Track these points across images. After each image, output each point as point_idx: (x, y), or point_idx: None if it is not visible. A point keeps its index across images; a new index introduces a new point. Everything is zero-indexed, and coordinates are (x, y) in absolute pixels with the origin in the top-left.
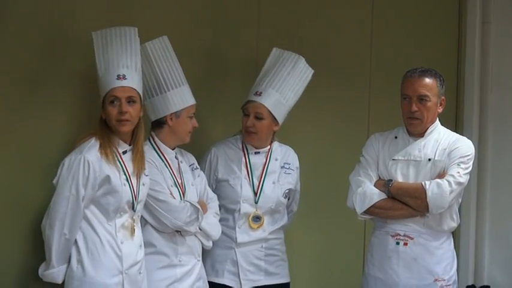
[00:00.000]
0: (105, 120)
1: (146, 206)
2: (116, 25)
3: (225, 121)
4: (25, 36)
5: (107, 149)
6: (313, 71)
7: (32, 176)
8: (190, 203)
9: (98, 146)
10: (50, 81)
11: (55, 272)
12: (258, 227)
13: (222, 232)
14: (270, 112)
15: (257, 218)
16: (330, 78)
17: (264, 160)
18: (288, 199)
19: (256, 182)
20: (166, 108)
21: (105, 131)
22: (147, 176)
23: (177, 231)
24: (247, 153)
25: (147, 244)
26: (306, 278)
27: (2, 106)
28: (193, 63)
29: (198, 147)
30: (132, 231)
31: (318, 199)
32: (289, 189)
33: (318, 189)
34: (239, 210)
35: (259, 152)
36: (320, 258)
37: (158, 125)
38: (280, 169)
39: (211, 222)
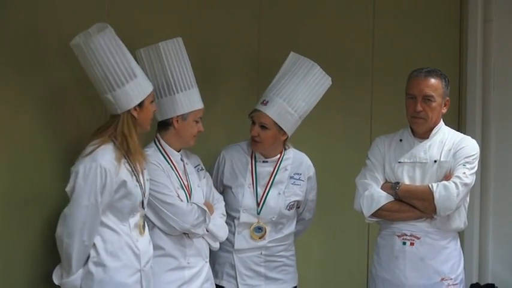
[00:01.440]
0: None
1: (153, 209)
2: (116, 26)
3: (226, 122)
4: (26, 36)
5: (121, 153)
6: (330, 79)
7: (42, 178)
8: (197, 205)
9: (111, 150)
10: (52, 83)
11: (75, 278)
12: (260, 238)
13: None
14: (276, 122)
15: (259, 229)
16: (332, 78)
17: (272, 170)
18: (298, 207)
19: (260, 192)
20: (173, 110)
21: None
22: (145, 169)
23: (185, 233)
24: (255, 161)
25: (156, 247)
26: (311, 279)
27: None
28: (193, 64)
29: (196, 148)
30: (142, 228)
31: (321, 199)
32: (296, 201)
33: (320, 190)
34: (238, 218)
35: (267, 161)
36: (324, 258)
37: (164, 126)
38: (288, 179)
39: (218, 224)
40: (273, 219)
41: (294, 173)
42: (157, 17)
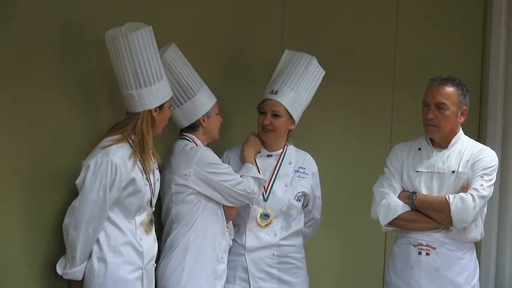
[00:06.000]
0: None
1: (223, 191)
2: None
3: (248, 123)
4: (39, 34)
5: (135, 151)
6: (324, 72)
7: (52, 175)
8: (251, 176)
9: (125, 148)
10: (70, 79)
11: (78, 270)
12: (267, 225)
13: (234, 239)
14: (287, 110)
15: (265, 216)
16: (354, 81)
17: (275, 163)
18: (307, 205)
19: (265, 184)
20: (198, 112)
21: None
22: (157, 169)
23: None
24: (259, 157)
25: (200, 236)
26: (326, 286)
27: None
28: (216, 65)
29: (221, 149)
30: (148, 227)
31: (338, 204)
32: (303, 193)
33: (337, 194)
34: (248, 213)
35: (271, 155)
36: (340, 265)
37: (191, 129)
38: (293, 173)
39: None
40: (283, 209)
41: (299, 167)
42: (180, 19)
